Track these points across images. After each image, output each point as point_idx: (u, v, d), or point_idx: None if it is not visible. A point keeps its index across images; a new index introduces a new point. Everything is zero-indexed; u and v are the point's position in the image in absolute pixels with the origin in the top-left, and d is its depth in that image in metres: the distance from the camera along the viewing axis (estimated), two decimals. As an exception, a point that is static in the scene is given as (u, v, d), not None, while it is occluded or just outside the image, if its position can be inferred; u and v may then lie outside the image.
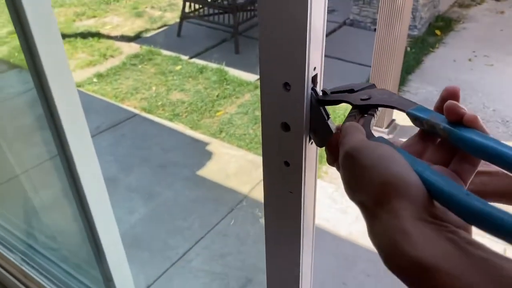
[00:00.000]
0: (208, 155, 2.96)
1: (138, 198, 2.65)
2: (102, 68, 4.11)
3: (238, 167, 2.85)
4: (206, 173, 2.80)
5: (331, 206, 2.55)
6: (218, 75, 3.92)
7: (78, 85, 3.86)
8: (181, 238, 2.39)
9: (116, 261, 1.48)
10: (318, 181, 2.74)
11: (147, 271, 2.24)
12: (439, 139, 0.45)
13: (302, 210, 0.75)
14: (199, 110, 3.48)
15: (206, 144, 3.08)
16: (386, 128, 3.09)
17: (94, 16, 5.18)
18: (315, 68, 0.60)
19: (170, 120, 3.36)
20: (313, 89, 0.60)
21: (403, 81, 3.64)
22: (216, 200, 2.61)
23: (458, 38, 4.48)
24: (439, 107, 0.44)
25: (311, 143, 0.68)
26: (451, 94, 0.42)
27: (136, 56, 4.31)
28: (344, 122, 0.55)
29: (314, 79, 0.61)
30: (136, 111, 3.48)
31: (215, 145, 3.07)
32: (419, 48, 4.25)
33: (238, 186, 2.70)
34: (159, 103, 3.57)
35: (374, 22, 4.55)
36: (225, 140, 3.10)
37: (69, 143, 1.08)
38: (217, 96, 3.66)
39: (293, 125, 0.64)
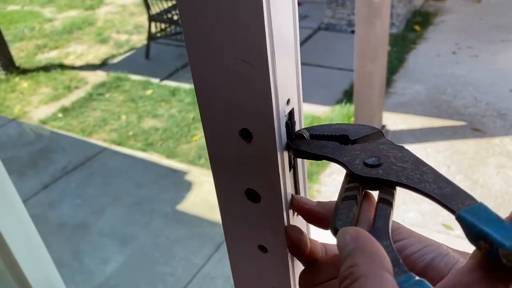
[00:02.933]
0: (188, 186, 2.68)
1: (112, 243, 2.35)
2: (67, 101, 3.82)
3: (221, 196, 2.58)
4: (187, 206, 2.52)
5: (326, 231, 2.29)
6: (192, 95, 3.66)
7: (43, 122, 3.56)
8: (163, 286, 2.10)
9: None
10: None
11: (127, 331, 1.95)
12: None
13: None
14: (175, 136, 3.21)
15: (184, 173, 2.81)
16: (377, 135, 2.84)
17: (57, 47, 4.89)
18: (288, 101, 0.34)
19: (144, 150, 3.08)
20: (289, 132, 0.35)
21: (388, 83, 3.42)
22: (200, 236, 2.33)
23: (438, 31, 4.30)
24: None
25: (297, 214, 0.42)
26: None
27: (102, 84, 4.03)
28: (338, 215, 0.30)
29: (290, 118, 0.36)
30: (106, 144, 3.19)
31: (195, 174, 2.79)
32: (400, 46, 4.05)
33: (223, 218, 2.42)
34: (131, 133, 3.29)
35: (350, 23, 4.35)
36: (205, 166, 2.83)
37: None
38: (193, 118, 3.40)
39: (264, 194, 0.38)
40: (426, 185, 0.29)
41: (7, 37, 5.10)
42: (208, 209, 2.47)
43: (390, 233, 0.28)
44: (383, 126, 2.93)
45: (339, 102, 3.36)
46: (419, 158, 0.31)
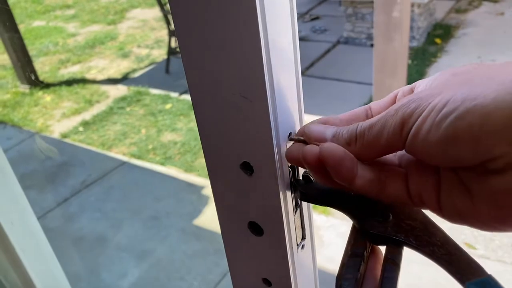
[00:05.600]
0: (205, 200, 2.68)
1: (130, 258, 2.36)
2: (88, 115, 3.88)
3: (238, 211, 2.56)
4: (203, 221, 2.52)
5: (343, 247, 2.25)
6: (210, 110, 3.68)
7: (63, 136, 3.63)
8: (179, 302, 2.09)
9: None
10: (328, 218, 2.45)
11: None
12: None
13: None
14: (193, 150, 3.22)
15: (201, 187, 2.81)
16: (396, 150, 2.80)
17: (79, 62, 5.00)
18: (290, 134, 0.33)
19: (162, 164, 3.10)
20: (293, 168, 0.34)
21: (408, 96, 3.37)
22: (217, 252, 2.32)
23: (460, 44, 4.24)
24: None
25: (302, 246, 0.41)
26: None
27: (123, 98, 4.09)
28: (344, 274, 0.30)
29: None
30: (125, 158, 3.22)
31: (212, 188, 2.79)
32: (421, 59, 4.00)
33: (240, 233, 2.40)
34: (150, 147, 3.32)
35: (369, 37, 4.33)
36: (222, 181, 2.82)
37: None
38: (211, 132, 3.41)
39: (266, 227, 0.37)
40: (435, 249, 0.28)
41: (32, 52, 5.24)
42: (225, 224, 2.46)
43: None
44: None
45: (358, 116, 3.32)
46: (428, 217, 0.30)
